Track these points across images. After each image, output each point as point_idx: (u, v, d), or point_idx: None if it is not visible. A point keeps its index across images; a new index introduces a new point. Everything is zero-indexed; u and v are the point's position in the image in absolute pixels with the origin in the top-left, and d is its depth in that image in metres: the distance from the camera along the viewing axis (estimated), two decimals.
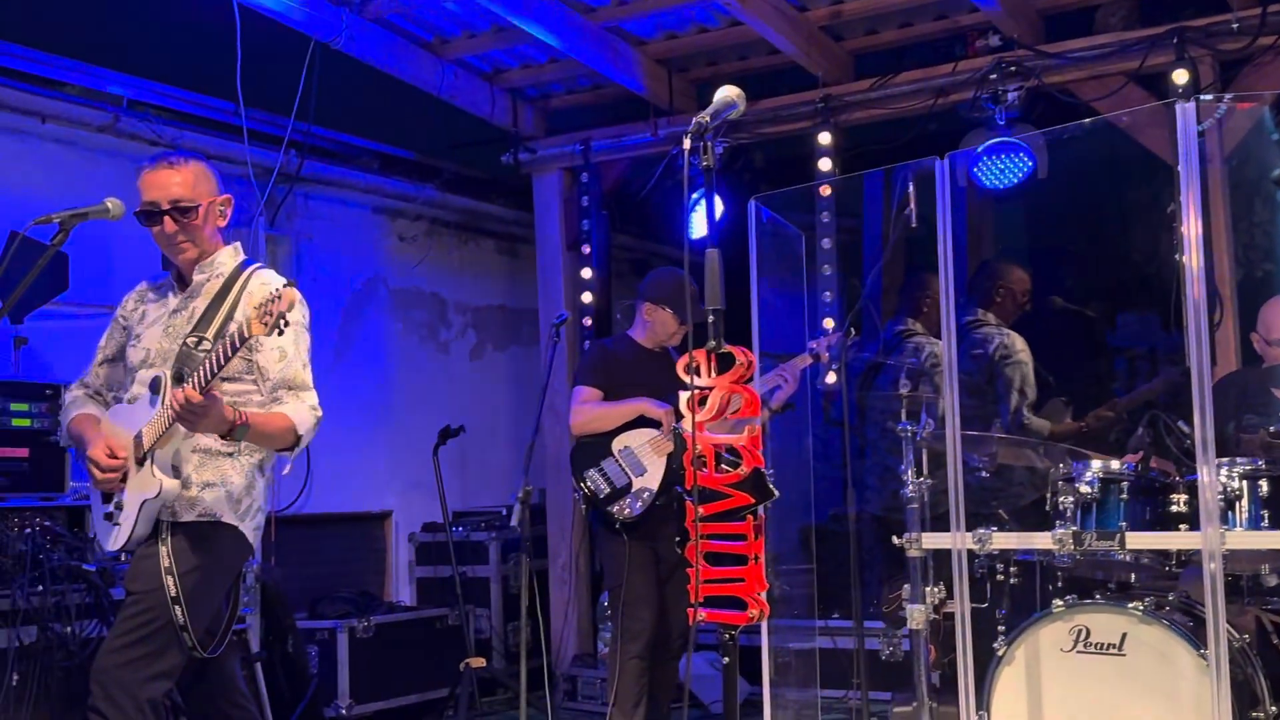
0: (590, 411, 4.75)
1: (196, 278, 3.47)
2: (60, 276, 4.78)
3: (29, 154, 5.40)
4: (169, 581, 3.22)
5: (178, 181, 3.39)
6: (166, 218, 3.38)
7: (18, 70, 5.26)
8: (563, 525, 6.59)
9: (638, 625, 4.62)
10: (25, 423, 4.44)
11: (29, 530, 4.31)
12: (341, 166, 6.61)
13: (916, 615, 4.09)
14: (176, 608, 3.21)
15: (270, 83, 5.69)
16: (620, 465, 4.67)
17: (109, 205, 3.32)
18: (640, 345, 4.92)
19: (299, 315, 3.37)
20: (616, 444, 4.69)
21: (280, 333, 2.96)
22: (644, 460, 4.66)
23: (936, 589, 4.14)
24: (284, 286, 2.96)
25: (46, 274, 3.79)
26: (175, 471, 3.32)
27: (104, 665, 3.19)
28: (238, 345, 3.05)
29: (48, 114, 5.34)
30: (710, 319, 3.17)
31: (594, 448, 4.71)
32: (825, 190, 5.82)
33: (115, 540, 3.36)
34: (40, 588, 4.24)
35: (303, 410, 3.33)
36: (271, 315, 2.93)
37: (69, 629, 4.24)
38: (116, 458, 3.34)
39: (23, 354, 4.82)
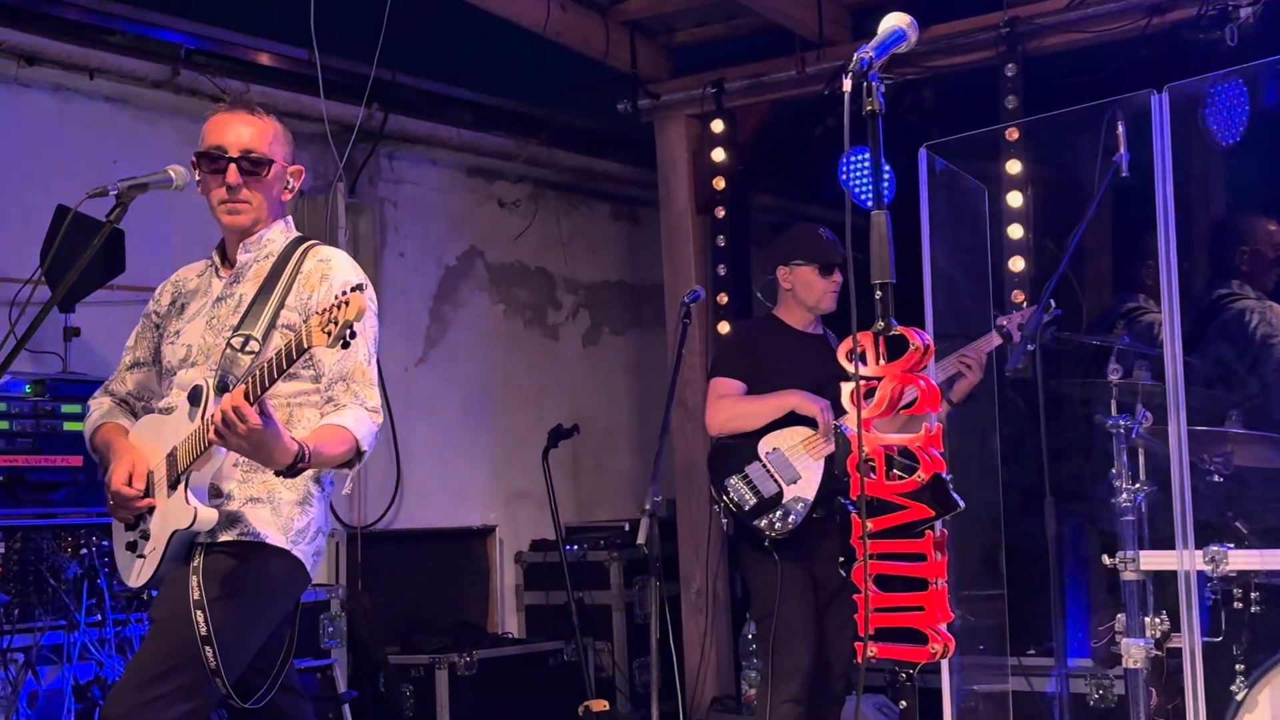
0: (731, 408, 4.74)
1: (241, 258, 3.51)
2: (116, 257, 4.92)
3: (75, 115, 5.58)
4: (198, 617, 3.20)
5: (254, 131, 3.45)
6: (233, 166, 3.41)
7: (59, 17, 5.42)
8: (697, 542, 6.61)
9: (792, 663, 4.61)
10: (78, 426, 4.57)
11: (85, 551, 4.46)
12: (431, 120, 6.71)
13: (1134, 652, 4.03)
14: (207, 649, 3.19)
15: (349, 26, 5.81)
16: (768, 471, 4.66)
17: (172, 174, 3.41)
18: (789, 327, 4.90)
19: (370, 319, 3.38)
20: (763, 446, 4.69)
21: (345, 345, 2.95)
22: (797, 464, 4.65)
23: (1159, 620, 4.07)
24: (351, 290, 2.93)
25: (101, 255, 3.92)
26: (215, 493, 3.33)
27: (117, 710, 3.17)
28: (294, 358, 3.04)
29: (95, 67, 5.50)
30: (878, 295, 3.14)
31: (737, 450, 4.71)
32: (1012, 134, 5.72)
33: (138, 575, 3.37)
34: (98, 618, 4.41)
35: (362, 419, 3.31)
36: (336, 324, 2.92)
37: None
38: (134, 487, 3.34)
39: (74, 347, 4.99)
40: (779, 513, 4.62)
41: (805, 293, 4.86)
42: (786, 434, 4.69)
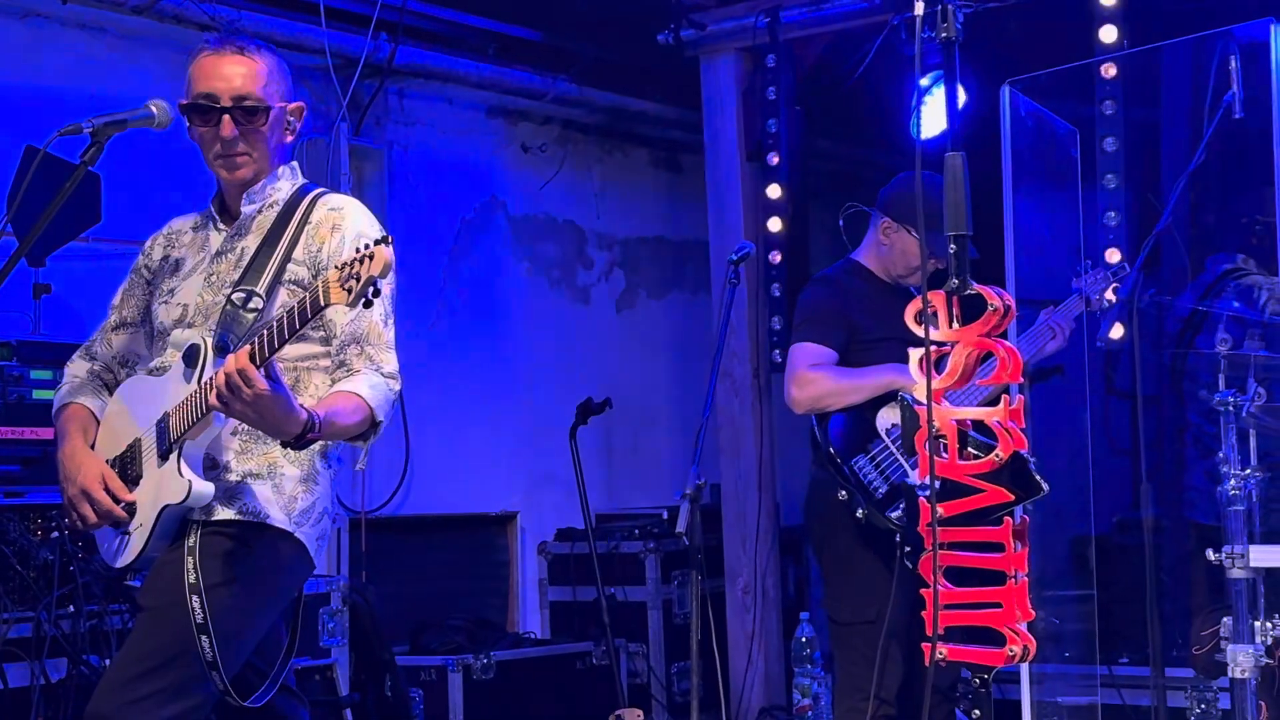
0: (824, 382, 4.59)
1: (245, 209, 3.53)
2: (91, 205, 4.94)
3: (46, 44, 5.60)
4: (194, 603, 3.23)
5: (246, 73, 3.45)
6: (226, 117, 3.43)
7: None
8: (744, 533, 6.62)
9: (893, 679, 4.49)
10: (49, 394, 4.57)
11: (56, 534, 4.49)
12: (447, 53, 6.70)
13: (1241, 660, 4.02)
14: (203, 638, 3.21)
15: None
16: (893, 452, 4.54)
17: (154, 110, 3.41)
18: (879, 279, 4.80)
19: (391, 276, 3.37)
20: (882, 421, 4.52)
21: (368, 304, 2.96)
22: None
23: (1270, 624, 4.05)
24: (375, 244, 2.94)
25: (74, 202, 3.92)
26: (210, 464, 3.35)
27: (103, 709, 3.21)
28: (308, 317, 3.05)
29: None
30: (952, 249, 3.13)
31: (854, 424, 4.59)
32: (1109, 70, 5.67)
33: (124, 555, 3.39)
34: (71, 609, 4.44)
35: (378, 386, 3.33)
36: (358, 280, 2.92)
37: (108, 662, 4.42)
38: (117, 500, 3.36)
39: (44, 305, 5.02)
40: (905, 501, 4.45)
41: (899, 260, 4.77)
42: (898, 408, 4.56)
